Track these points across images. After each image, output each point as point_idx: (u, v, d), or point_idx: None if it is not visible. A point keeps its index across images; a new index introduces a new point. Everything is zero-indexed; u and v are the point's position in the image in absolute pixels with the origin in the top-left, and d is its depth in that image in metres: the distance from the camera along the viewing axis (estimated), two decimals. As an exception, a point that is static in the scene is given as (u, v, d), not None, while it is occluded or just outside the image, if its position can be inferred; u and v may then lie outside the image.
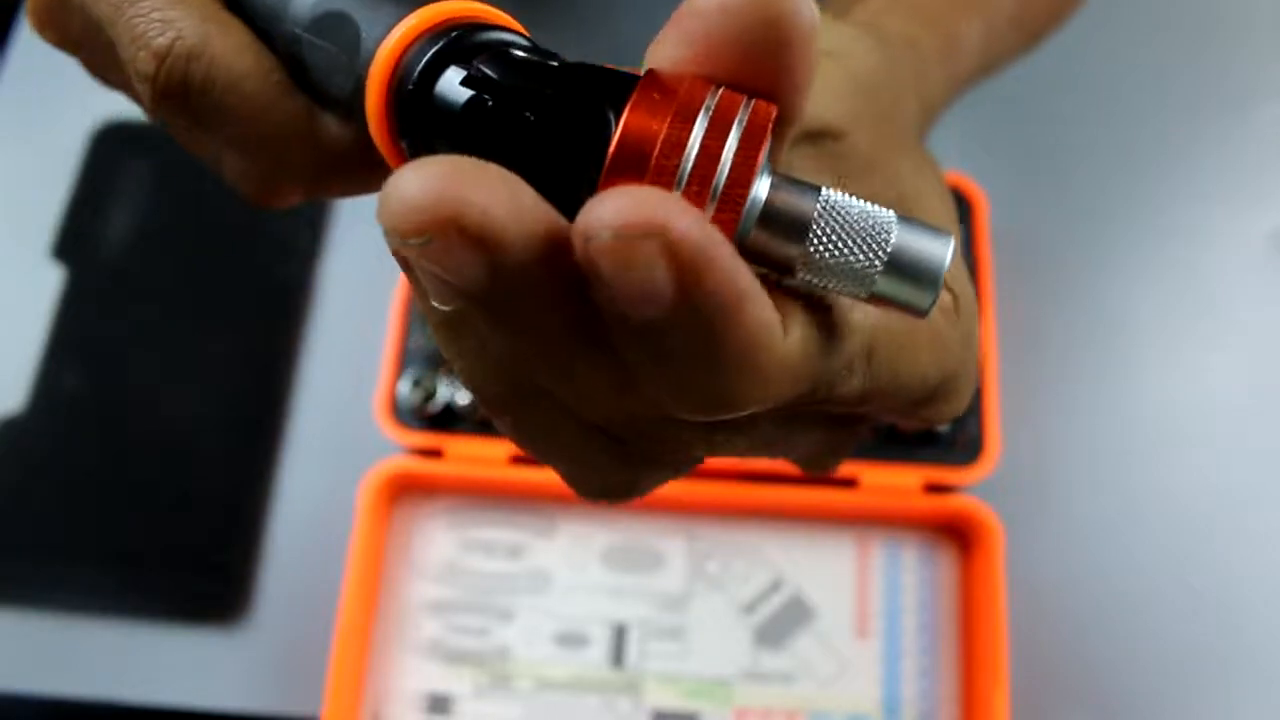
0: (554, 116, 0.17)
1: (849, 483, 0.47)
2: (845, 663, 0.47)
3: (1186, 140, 0.57)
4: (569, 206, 0.16)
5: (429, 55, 0.18)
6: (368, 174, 0.25)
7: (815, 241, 0.16)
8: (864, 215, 0.16)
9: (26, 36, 0.59)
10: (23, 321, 0.54)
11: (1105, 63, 0.59)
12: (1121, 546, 0.49)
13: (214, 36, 0.22)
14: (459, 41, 0.18)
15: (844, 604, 0.47)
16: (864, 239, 0.16)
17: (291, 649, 0.47)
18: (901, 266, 0.16)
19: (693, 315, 0.15)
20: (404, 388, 0.48)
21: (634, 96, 0.16)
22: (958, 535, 0.48)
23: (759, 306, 0.16)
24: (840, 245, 0.16)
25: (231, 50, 0.23)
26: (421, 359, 0.49)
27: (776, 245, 0.17)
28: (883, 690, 0.46)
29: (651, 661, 0.47)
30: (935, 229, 0.17)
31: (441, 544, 0.48)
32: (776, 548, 0.48)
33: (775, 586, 0.48)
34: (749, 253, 0.17)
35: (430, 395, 0.48)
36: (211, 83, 0.22)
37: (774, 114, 0.17)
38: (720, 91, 0.16)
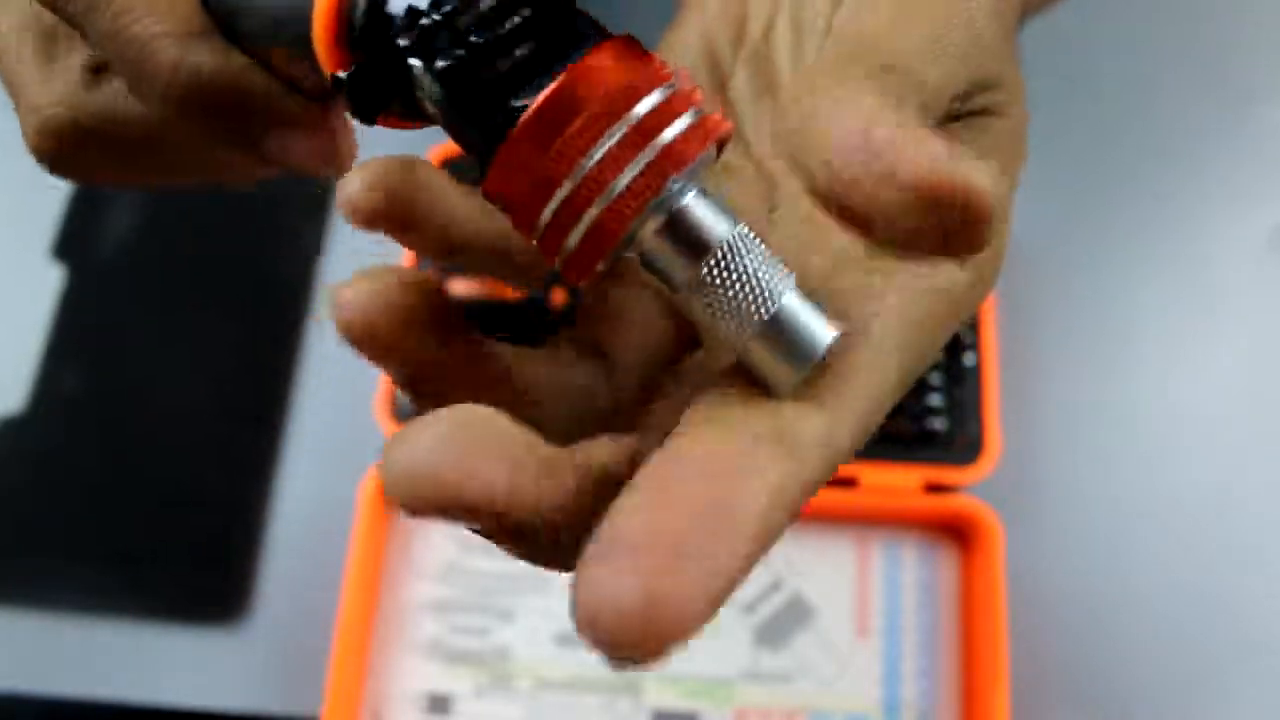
0: (500, 47, 0.16)
1: (849, 483, 0.47)
2: (845, 662, 0.47)
3: (1187, 139, 0.57)
4: (492, 136, 0.15)
5: None
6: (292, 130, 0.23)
7: (708, 268, 0.16)
8: (764, 268, 0.16)
9: None
10: (23, 321, 0.54)
11: (1105, 61, 0.59)
12: (1122, 546, 0.49)
13: None
14: None
15: (844, 604, 0.47)
16: (755, 289, 0.16)
17: (291, 648, 0.47)
18: (779, 330, 0.16)
19: None
20: (404, 387, 0.48)
21: (595, 50, 0.15)
22: (957, 535, 0.48)
23: None
24: (730, 284, 0.16)
25: None
26: (421, 359, 0.49)
27: (673, 256, 0.16)
28: (883, 690, 0.46)
29: (651, 661, 0.47)
30: (827, 318, 0.16)
31: (441, 543, 0.48)
32: (776, 548, 0.48)
33: (775, 586, 0.48)
34: (644, 257, 0.16)
35: (430, 395, 0.48)
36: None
37: (721, 133, 0.16)
38: (675, 87, 0.16)
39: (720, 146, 0.16)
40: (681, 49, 0.26)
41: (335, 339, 0.22)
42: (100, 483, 0.51)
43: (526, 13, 0.16)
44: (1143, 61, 0.59)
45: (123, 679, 0.47)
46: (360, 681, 0.46)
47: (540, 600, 0.48)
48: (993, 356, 0.48)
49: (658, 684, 0.46)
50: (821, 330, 0.16)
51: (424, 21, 0.16)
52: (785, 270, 0.16)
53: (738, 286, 0.16)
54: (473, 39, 0.15)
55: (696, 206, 0.16)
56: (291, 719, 0.46)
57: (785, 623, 0.47)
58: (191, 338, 0.54)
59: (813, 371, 0.16)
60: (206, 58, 0.22)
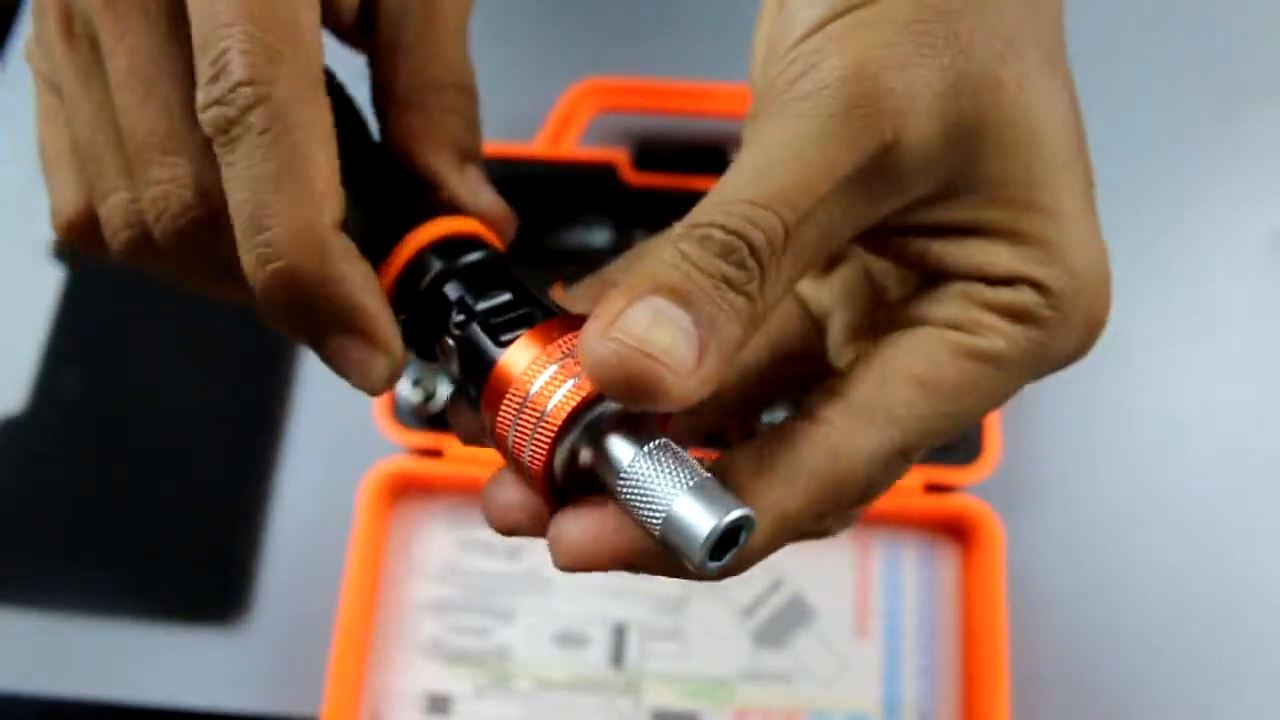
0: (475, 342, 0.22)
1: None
2: (845, 663, 0.47)
3: (1186, 140, 0.57)
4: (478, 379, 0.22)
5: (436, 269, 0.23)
6: None
7: (623, 481, 0.20)
8: (663, 480, 0.20)
9: (26, 36, 0.59)
10: (23, 321, 0.54)
11: (1105, 62, 0.59)
12: (1121, 546, 0.49)
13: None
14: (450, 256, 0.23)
15: (844, 604, 0.47)
16: (649, 497, 0.20)
17: (291, 649, 0.47)
18: (671, 529, 0.19)
19: None
20: (404, 388, 0.48)
21: (520, 339, 0.21)
22: (958, 535, 0.48)
23: None
24: (635, 495, 0.20)
25: None
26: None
27: (603, 474, 0.21)
28: (883, 690, 0.46)
29: (651, 662, 0.47)
30: (723, 506, 0.19)
31: (441, 544, 0.48)
32: (776, 548, 0.48)
33: (775, 586, 0.48)
34: (587, 469, 0.21)
35: (430, 395, 0.48)
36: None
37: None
38: (570, 356, 0.21)
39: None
40: None
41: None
42: (100, 483, 0.51)
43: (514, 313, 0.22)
44: (1141, 64, 0.59)
45: (123, 679, 0.47)
46: (360, 682, 0.46)
47: (540, 600, 0.48)
48: (993, 356, 0.48)
49: (657, 684, 0.46)
50: (710, 523, 0.19)
51: (463, 311, 0.22)
52: (689, 473, 0.19)
53: (641, 497, 0.20)
54: (490, 327, 0.22)
55: (613, 436, 0.20)
56: (291, 719, 0.46)
57: (785, 623, 0.47)
58: (191, 338, 0.54)
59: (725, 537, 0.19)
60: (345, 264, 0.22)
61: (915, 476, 0.47)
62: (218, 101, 0.20)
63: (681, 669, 0.46)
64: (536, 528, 0.22)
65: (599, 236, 0.53)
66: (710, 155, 0.54)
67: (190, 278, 0.25)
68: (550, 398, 0.20)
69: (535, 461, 0.20)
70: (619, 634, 0.47)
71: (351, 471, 0.47)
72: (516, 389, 0.20)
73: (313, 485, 0.51)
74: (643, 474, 0.20)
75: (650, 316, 0.19)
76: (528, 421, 0.20)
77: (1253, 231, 0.55)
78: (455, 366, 0.22)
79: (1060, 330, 0.22)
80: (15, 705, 0.47)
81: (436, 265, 0.23)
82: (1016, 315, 0.22)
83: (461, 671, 0.47)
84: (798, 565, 0.48)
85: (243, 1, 0.20)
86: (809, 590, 0.48)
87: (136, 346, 0.53)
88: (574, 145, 0.53)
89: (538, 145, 0.53)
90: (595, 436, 0.20)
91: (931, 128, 0.21)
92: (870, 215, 0.21)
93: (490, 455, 0.23)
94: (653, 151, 0.53)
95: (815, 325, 0.28)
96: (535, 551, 0.48)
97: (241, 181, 0.20)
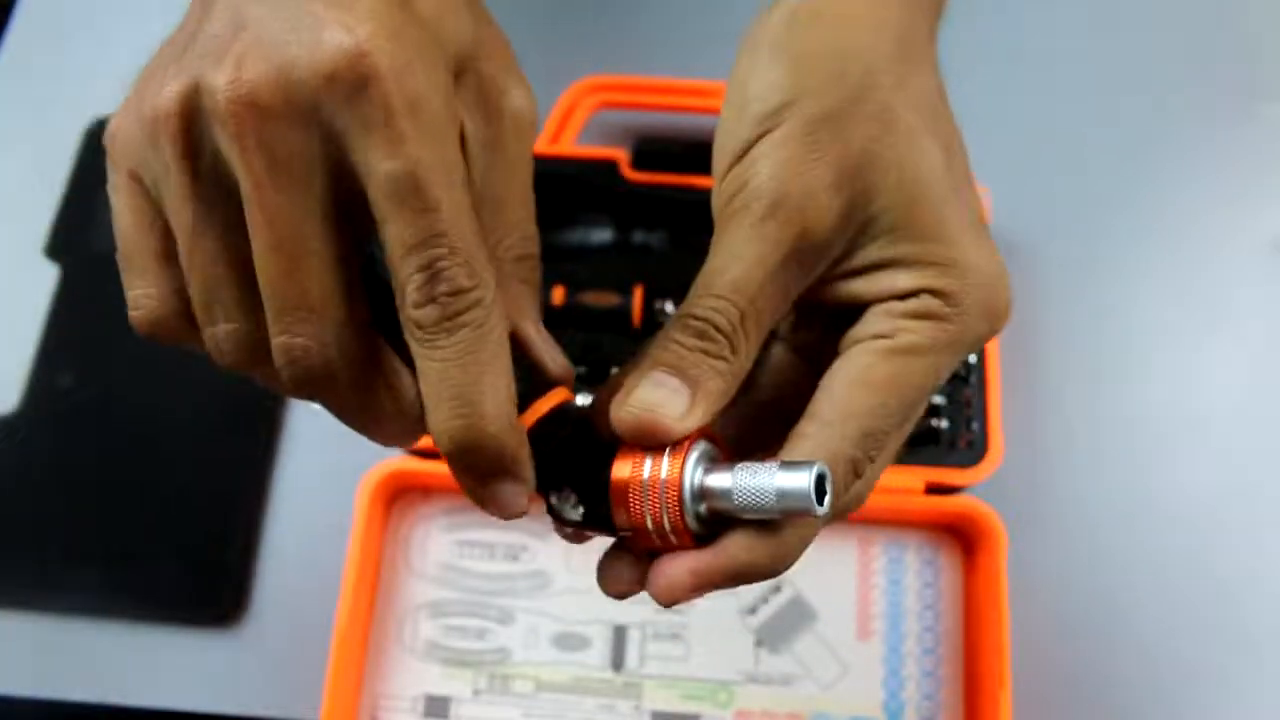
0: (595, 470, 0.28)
1: (850, 483, 0.47)
2: (847, 664, 0.46)
3: (1189, 143, 0.57)
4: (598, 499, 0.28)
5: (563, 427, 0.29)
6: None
7: (736, 499, 0.26)
8: (756, 477, 0.26)
9: (20, 34, 0.58)
10: (17, 321, 0.53)
11: (1108, 65, 0.59)
12: (1123, 548, 0.49)
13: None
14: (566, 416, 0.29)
15: (846, 605, 0.47)
16: (760, 490, 0.26)
17: (289, 651, 0.47)
18: (785, 497, 0.26)
19: None
20: (402, 388, 0.48)
21: (617, 457, 0.27)
22: (960, 536, 0.48)
23: None
24: (750, 497, 0.26)
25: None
26: (420, 359, 0.49)
27: (719, 505, 0.27)
28: (885, 692, 0.46)
29: (651, 664, 0.46)
30: (804, 466, 0.26)
31: (440, 545, 0.48)
32: (777, 549, 0.48)
33: (776, 588, 0.47)
34: (707, 510, 0.27)
35: (429, 395, 0.47)
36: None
37: (694, 448, 0.27)
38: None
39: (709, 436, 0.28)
40: None
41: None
42: (97, 485, 0.50)
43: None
44: (1144, 66, 0.59)
45: (120, 683, 0.47)
46: (358, 684, 0.46)
47: (539, 602, 0.47)
48: (995, 358, 0.48)
49: (657, 686, 0.46)
50: (802, 479, 0.26)
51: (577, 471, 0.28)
52: (767, 466, 0.26)
53: (751, 495, 0.26)
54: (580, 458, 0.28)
55: (710, 479, 0.27)
56: (289, 721, 0.46)
57: (786, 624, 0.47)
58: (188, 337, 0.53)
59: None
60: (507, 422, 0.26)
61: (917, 478, 0.46)
62: (434, 300, 0.24)
63: (682, 671, 0.46)
64: (637, 589, 0.29)
65: (599, 234, 0.53)
66: (709, 153, 0.53)
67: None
68: (660, 474, 0.27)
69: (674, 516, 0.27)
70: (619, 636, 0.47)
71: (350, 472, 0.47)
72: (634, 482, 0.27)
73: (311, 486, 0.50)
74: (743, 484, 0.26)
75: (651, 386, 0.27)
76: (654, 497, 0.27)
77: (1255, 233, 0.54)
78: (579, 508, 0.28)
79: (962, 321, 0.28)
80: (11, 707, 0.47)
81: (556, 433, 0.28)
82: (924, 316, 0.28)
83: (460, 673, 0.46)
84: (799, 566, 0.47)
85: (449, 217, 0.24)
86: (810, 591, 0.47)
87: (133, 347, 0.53)
88: (574, 143, 0.53)
89: (538, 143, 0.53)
90: (698, 486, 0.27)
91: (832, 209, 0.27)
92: (804, 282, 0.28)
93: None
94: (652, 149, 0.52)
95: (810, 369, 0.34)
96: (535, 553, 0.48)
97: (450, 364, 0.25)
